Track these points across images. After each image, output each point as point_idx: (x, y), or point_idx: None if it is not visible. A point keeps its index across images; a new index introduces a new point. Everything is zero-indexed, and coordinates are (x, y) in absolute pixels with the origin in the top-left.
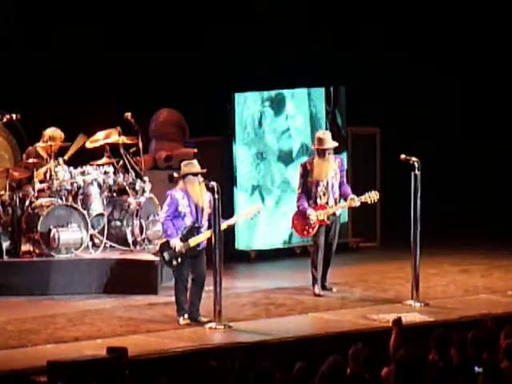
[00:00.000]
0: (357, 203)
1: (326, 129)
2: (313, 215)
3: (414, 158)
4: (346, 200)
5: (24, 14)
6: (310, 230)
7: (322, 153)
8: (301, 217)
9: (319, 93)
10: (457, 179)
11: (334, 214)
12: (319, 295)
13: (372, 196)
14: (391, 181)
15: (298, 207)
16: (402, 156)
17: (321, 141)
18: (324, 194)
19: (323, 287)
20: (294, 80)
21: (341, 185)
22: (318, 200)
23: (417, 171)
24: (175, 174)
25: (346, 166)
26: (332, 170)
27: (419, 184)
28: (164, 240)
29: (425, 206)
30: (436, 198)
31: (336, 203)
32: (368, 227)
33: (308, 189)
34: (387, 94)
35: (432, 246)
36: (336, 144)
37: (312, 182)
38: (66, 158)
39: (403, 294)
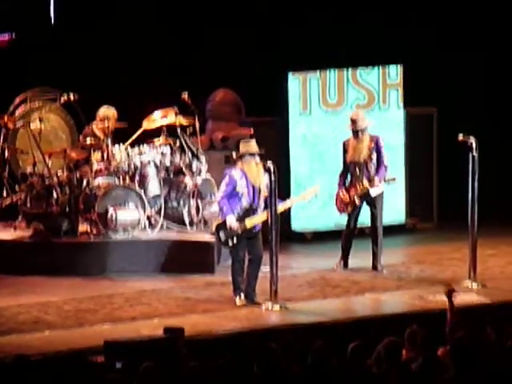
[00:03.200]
0: (375, 185)
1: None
2: (345, 196)
3: (471, 139)
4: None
5: None
6: (345, 209)
7: (355, 133)
8: (339, 196)
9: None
10: None
11: (369, 195)
12: (335, 270)
13: (390, 178)
14: (449, 161)
15: (338, 185)
16: (460, 137)
17: (353, 122)
18: (358, 174)
19: (375, 268)
20: (349, 59)
21: (378, 164)
22: (354, 179)
23: (474, 152)
24: (233, 154)
25: (383, 144)
26: (367, 149)
27: (477, 165)
28: (220, 220)
29: (483, 185)
30: (494, 177)
31: (370, 183)
32: (425, 208)
33: (347, 167)
34: (445, 73)
35: (490, 227)
36: (370, 123)
37: (349, 161)
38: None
39: (460, 274)
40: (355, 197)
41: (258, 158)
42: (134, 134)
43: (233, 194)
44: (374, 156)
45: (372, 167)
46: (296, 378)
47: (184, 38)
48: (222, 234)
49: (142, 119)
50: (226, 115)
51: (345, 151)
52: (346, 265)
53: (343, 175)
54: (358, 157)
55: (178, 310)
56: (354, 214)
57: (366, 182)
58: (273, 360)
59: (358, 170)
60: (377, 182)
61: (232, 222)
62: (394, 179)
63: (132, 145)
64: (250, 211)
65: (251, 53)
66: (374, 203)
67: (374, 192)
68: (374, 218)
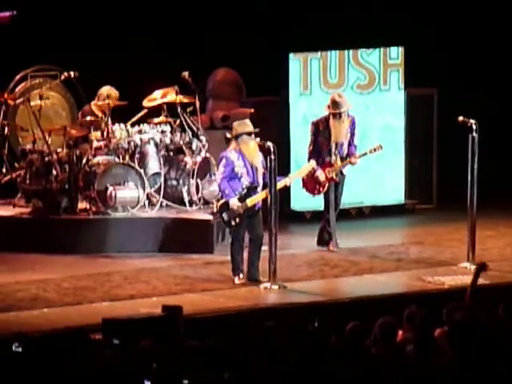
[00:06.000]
0: (357, 160)
1: None
2: (322, 175)
3: (471, 121)
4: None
5: None
6: (321, 189)
7: (338, 116)
8: (310, 176)
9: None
10: None
11: (342, 172)
12: (333, 251)
13: (376, 147)
14: (448, 142)
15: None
16: (460, 118)
17: (337, 104)
18: (333, 154)
19: (326, 244)
20: (351, 40)
21: (349, 144)
22: (327, 158)
23: (474, 133)
24: (227, 135)
25: (356, 125)
26: (346, 130)
27: (476, 146)
28: (223, 201)
29: (483, 166)
30: (494, 159)
31: (342, 161)
32: (425, 189)
33: (319, 147)
34: (446, 54)
35: (489, 208)
36: (351, 106)
37: (323, 141)
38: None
39: (459, 256)
40: (333, 173)
41: (254, 137)
42: (136, 115)
43: (232, 176)
44: (348, 135)
45: (346, 147)
46: (294, 357)
47: (185, 18)
48: (224, 215)
49: (142, 98)
50: (226, 94)
51: (317, 131)
52: (336, 243)
53: (314, 154)
54: (339, 137)
55: (176, 289)
56: (334, 192)
57: (339, 160)
58: (270, 339)
59: (335, 149)
60: (354, 160)
61: (235, 204)
62: (380, 147)
63: (132, 123)
64: (252, 190)
65: (252, 33)
66: (341, 181)
67: (344, 170)
68: (337, 197)
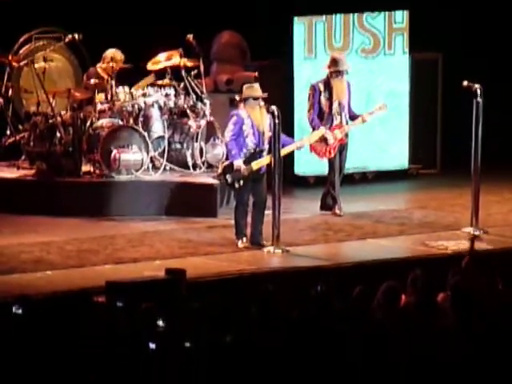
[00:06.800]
0: (368, 119)
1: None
2: (331, 137)
3: (476, 85)
4: (353, 120)
5: None
6: (332, 151)
7: (339, 74)
8: (320, 139)
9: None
10: None
11: (346, 134)
12: (339, 215)
13: (381, 106)
14: (453, 107)
15: (314, 128)
16: (465, 83)
17: (337, 62)
18: (339, 115)
19: (327, 209)
20: (356, 3)
21: (348, 106)
22: (333, 120)
23: (479, 98)
24: (236, 97)
25: (352, 90)
26: (346, 91)
27: (481, 111)
28: (227, 162)
29: (487, 132)
30: (498, 123)
31: (346, 123)
32: (428, 154)
33: (321, 110)
34: (450, 18)
35: (493, 173)
36: (350, 66)
37: (325, 102)
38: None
39: (462, 221)
40: (342, 134)
41: (261, 102)
42: (143, 81)
43: (239, 134)
44: (347, 98)
45: (347, 110)
46: (295, 321)
47: None
48: (228, 176)
49: (147, 61)
50: (230, 57)
51: (317, 93)
52: (340, 207)
53: (316, 119)
54: (342, 96)
55: (179, 252)
56: (338, 156)
57: (344, 122)
58: (270, 302)
59: (337, 109)
60: (366, 117)
61: (240, 165)
62: (385, 105)
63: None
64: (257, 154)
65: None
66: (346, 145)
67: (349, 132)
68: (343, 159)
